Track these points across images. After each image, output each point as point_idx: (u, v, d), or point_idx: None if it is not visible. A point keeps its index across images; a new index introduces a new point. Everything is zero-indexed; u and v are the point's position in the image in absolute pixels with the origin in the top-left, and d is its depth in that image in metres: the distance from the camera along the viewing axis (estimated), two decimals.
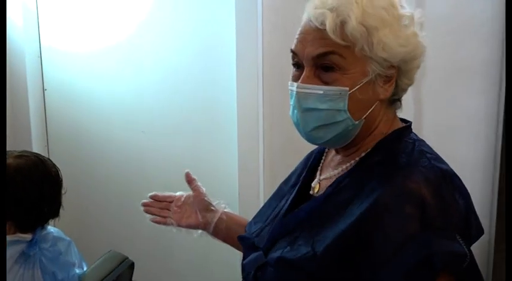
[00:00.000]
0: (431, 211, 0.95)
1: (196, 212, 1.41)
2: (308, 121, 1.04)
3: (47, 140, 2.93)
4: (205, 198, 1.42)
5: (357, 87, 1.00)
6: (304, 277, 1.00)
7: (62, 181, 1.66)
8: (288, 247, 1.05)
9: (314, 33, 1.01)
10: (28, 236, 1.58)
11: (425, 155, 1.03)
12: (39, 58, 2.86)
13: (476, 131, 2.10)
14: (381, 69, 1.01)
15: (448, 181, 1.01)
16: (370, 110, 1.04)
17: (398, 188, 0.97)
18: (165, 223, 1.43)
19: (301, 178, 1.20)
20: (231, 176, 2.46)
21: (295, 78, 1.06)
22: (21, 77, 2.78)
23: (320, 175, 1.16)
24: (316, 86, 1.01)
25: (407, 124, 1.13)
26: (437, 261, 0.92)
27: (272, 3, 2.28)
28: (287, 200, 1.19)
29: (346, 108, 1.01)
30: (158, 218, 1.44)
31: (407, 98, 2.14)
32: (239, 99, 2.43)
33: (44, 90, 2.89)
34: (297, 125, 1.07)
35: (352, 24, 0.98)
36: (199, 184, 1.43)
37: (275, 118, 2.27)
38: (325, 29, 0.99)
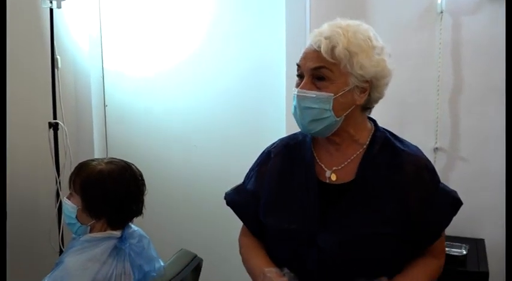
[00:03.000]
0: (434, 172, 1.37)
1: None
2: (305, 116, 1.32)
3: (107, 149, 3.03)
4: None
5: (340, 94, 1.30)
6: (389, 235, 1.30)
7: (145, 182, 1.76)
8: (363, 222, 1.30)
9: (313, 54, 1.31)
10: (117, 233, 1.64)
11: (402, 139, 1.41)
12: (102, 78, 2.97)
13: (503, 143, 2.17)
14: (358, 82, 1.31)
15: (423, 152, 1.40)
16: (348, 111, 1.32)
17: (414, 164, 1.34)
18: None
19: (307, 174, 1.39)
20: None
21: (297, 85, 1.34)
22: (87, 94, 2.88)
23: (327, 167, 1.39)
24: (311, 91, 1.30)
25: (375, 120, 1.45)
26: (459, 200, 1.38)
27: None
28: (308, 192, 1.36)
29: (331, 108, 1.30)
30: None
31: (443, 114, 2.27)
32: (288, 115, 2.52)
33: (105, 106, 3.02)
34: (297, 119, 1.36)
35: (339, 48, 1.28)
36: None
37: None
38: (320, 51, 1.29)
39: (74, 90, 2.89)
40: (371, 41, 1.32)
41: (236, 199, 1.52)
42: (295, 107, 1.34)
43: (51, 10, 2.59)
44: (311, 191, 1.36)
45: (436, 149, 2.33)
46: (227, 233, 2.74)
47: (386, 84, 1.37)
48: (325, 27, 1.33)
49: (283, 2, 2.55)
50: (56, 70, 2.68)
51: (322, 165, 1.40)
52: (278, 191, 1.42)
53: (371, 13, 2.35)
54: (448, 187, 1.40)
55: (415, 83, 2.34)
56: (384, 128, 1.44)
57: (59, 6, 2.57)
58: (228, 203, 1.54)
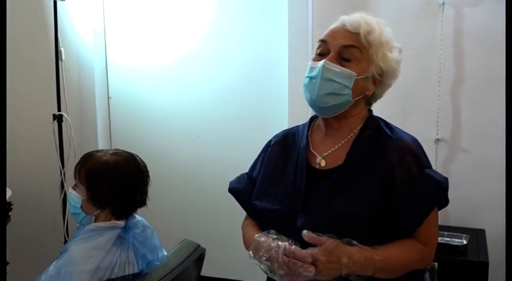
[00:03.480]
0: (420, 157, 1.34)
1: None
2: (324, 88, 1.34)
3: (110, 141, 3.04)
4: None
5: (361, 77, 1.35)
6: (366, 218, 1.28)
7: (149, 173, 1.76)
8: (341, 204, 1.30)
9: (345, 33, 1.36)
10: (121, 223, 1.64)
11: (393, 127, 1.41)
12: (105, 70, 2.98)
13: (504, 134, 2.17)
14: (375, 72, 1.37)
15: (415, 138, 1.39)
16: (359, 97, 1.37)
17: (398, 148, 1.33)
18: None
19: (298, 159, 1.42)
20: None
21: (317, 60, 1.36)
22: (91, 86, 2.89)
23: (318, 153, 1.41)
24: (337, 65, 1.34)
25: (371, 110, 1.47)
26: (445, 185, 1.32)
27: (321, 23, 2.40)
28: (296, 177, 1.39)
29: (350, 86, 1.34)
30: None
31: (445, 105, 2.26)
32: (290, 107, 2.52)
33: (108, 98, 3.03)
34: (311, 89, 1.36)
35: (375, 35, 1.35)
36: None
37: None
38: (355, 33, 1.34)
39: (77, 82, 2.90)
40: (393, 41, 1.40)
41: (237, 186, 1.57)
42: (311, 78, 1.36)
43: (55, 2, 2.60)
44: (299, 176, 1.40)
45: (437, 140, 2.33)
46: (230, 223, 2.75)
47: (390, 85, 1.43)
48: (358, 15, 1.38)
49: None
50: (60, 62, 2.69)
51: (315, 152, 1.43)
52: (271, 177, 1.47)
53: (373, 4, 2.35)
54: (436, 173, 1.34)
55: (416, 74, 2.33)
56: (378, 117, 1.45)
57: None
58: (229, 190, 1.58)
